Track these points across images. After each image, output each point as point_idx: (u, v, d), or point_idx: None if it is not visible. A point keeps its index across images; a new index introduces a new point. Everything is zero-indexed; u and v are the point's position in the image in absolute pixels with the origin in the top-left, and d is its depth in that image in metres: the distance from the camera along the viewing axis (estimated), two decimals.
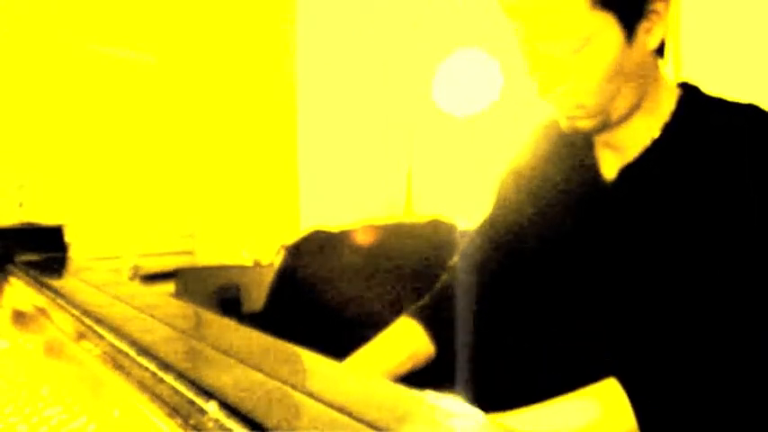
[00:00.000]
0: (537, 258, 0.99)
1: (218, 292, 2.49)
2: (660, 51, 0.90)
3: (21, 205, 1.48)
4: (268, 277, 2.14)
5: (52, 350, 0.91)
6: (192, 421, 0.45)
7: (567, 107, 0.87)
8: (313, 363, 0.55)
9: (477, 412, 0.40)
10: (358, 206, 2.87)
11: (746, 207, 0.80)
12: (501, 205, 1.09)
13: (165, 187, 2.76)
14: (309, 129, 2.92)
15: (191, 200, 2.84)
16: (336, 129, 2.93)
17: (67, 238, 1.26)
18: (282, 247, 2.15)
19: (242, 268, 2.65)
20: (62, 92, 2.43)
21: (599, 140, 0.94)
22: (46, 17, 2.38)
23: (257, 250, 2.74)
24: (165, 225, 2.78)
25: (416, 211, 2.79)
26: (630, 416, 0.74)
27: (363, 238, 2.02)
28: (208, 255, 2.86)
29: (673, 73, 2.71)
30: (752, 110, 0.87)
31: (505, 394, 0.89)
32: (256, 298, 2.35)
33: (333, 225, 2.17)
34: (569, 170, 0.98)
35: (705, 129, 0.86)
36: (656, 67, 0.90)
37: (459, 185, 2.56)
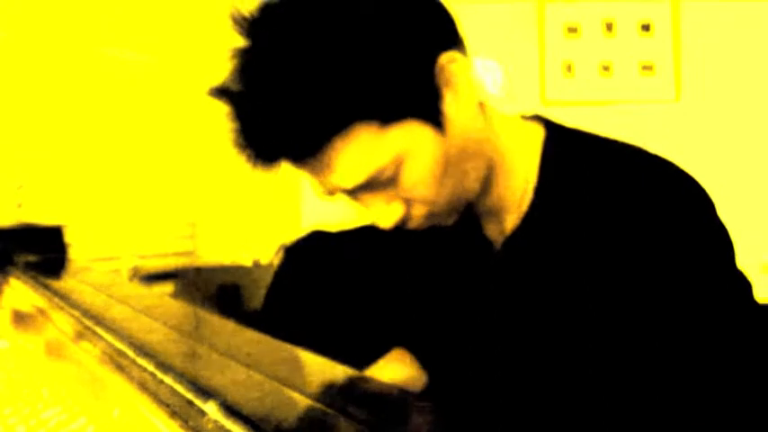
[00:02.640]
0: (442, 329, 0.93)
1: (217, 293, 2.49)
2: (457, 46, 0.78)
3: (20, 206, 1.48)
4: (268, 277, 2.13)
5: (52, 351, 0.91)
6: (191, 422, 0.46)
7: (422, 224, 0.79)
8: (312, 363, 0.55)
9: (473, 414, 0.41)
10: (359, 207, 2.87)
11: (632, 252, 0.74)
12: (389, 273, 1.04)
13: (165, 188, 2.76)
14: None
15: (191, 201, 2.84)
16: None
17: (67, 238, 1.26)
18: (281, 246, 2.15)
19: (241, 268, 2.65)
20: (62, 92, 2.43)
21: (476, 209, 0.85)
22: (46, 18, 2.38)
23: (258, 250, 2.74)
24: (165, 226, 2.78)
25: None
26: None
27: (363, 239, 2.02)
28: (208, 255, 2.86)
29: (674, 84, 2.72)
30: (615, 146, 0.80)
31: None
32: (256, 298, 2.35)
33: (333, 225, 2.18)
34: (460, 243, 0.90)
35: (578, 176, 0.78)
36: (487, 119, 0.80)
37: None
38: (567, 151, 0.81)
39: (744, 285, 0.77)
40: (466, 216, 0.85)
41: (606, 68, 2.80)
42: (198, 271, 2.67)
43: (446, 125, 0.73)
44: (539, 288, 0.80)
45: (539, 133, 0.83)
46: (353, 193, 0.75)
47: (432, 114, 0.73)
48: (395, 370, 1.02)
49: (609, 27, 2.80)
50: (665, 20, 2.73)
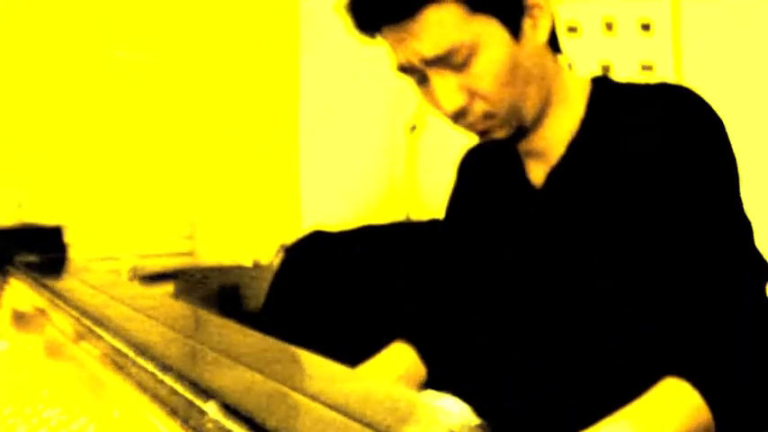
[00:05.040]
0: (490, 278, 0.98)
1: (217, 293, 2.49)
2: (554, 46, 0.90)
3: (20, 206, 1.48)
4: (268, 278, 2.14)
5: (52, 351, 0.91)
6: (191, 422, 0.46)
7: (478, 122, 0.87)
8: (312, 363, 0.55)
9: (474, 413, 0.41)
10: (359, 207, 2.87)
11: (669, 186, 0.82)
12: (450, 227, 1.09)
13: (164, 188, 2.76)
14: (311, 129, 2.92)
15: (190, 201, 2.84)
16: (338, 129, 2.93)
17: (67, 238, 1.26)
18: (281, 247, 2.15)
19: (241, 269, 2.65)
20: (62, 93, 2.43)
21: (522, 150, 0.94)
22: (46, 18, 2.38)
23: (257, 251, 2.74)
24: (165, 226, 2.78)
25: (417, 212, 2.79)
26: (706, 413, 0.73)
27: (363, 239, 2.02)
28: (207, 255, 2.86)
29: (674, 76, 2.72)
30: (663, 89, 0.88)
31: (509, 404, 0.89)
32: (256, 298, 2.35)
33: (333, 225, 2.18)
34: (501, 185, 0.98)
35: (620, 118, 0.87)
36: (555, 61, 0.90)
37: None
38: (610, 98, 0.90)
39: (735, 225, 0.84)
40: (510, 159, 0.95)
41: (606, 68, 2.80)
42: (198, 271, 2.67)
43: (521, 39, 0.84)
44: (578, 218, 0.87)
45: (586, 86, 0.92)
46: (429, 65, 0.82)
47: (513, 23, 0.83)
48: (395, 363, 1.02)
49: (609, 26, 2.80)
50: (666, 19, 2.73)
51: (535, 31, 0.85)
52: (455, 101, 0.84)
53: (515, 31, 0.83)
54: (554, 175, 0.90)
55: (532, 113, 0.87)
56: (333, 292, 1.97)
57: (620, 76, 2.94)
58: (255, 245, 2.78)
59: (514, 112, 0.86)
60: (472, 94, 0.84)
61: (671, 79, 0.97)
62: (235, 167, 2.82)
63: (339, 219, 2.56)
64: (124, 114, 2.60)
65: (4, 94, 2.28)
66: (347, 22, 0.85)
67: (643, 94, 0.88)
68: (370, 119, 2.97)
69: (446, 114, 0.86)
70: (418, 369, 1.03)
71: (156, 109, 2.71)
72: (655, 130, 0.84)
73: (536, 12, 0.85)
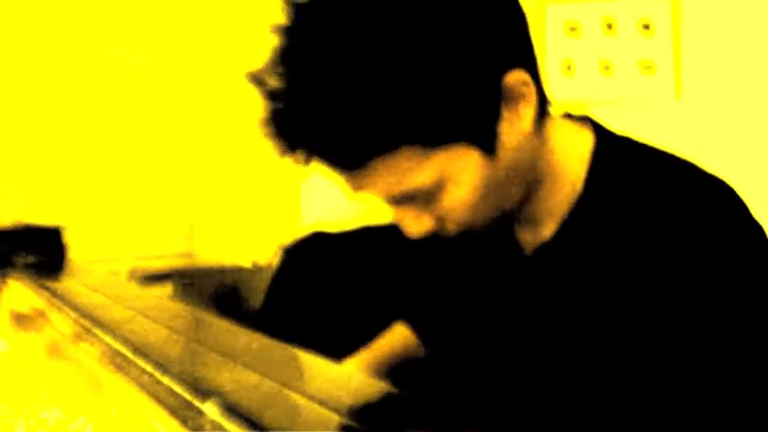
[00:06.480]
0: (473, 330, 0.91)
1: (216, 294, 2.49)
2: (541, 113, 0.73)
3: (20, 206, 1.48)
4: (266, 278, 2.14)
5: (51, 351, 0.91)
6: (189, 422, 0.45)
7: (453, 234, 0.75)
8: (311, 363, 0.55)
9: (472, 413, 0.40)
10: (359, 207, 2.87)
11: (664, 289, 0.68)
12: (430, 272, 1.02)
13: (163, 189, 2.76)
14: None
15: (189, 202, 2.84)
16: None
17: (67, 239, 1.26)
18: (281, 247, 2.15)
19: (240, 269, 2.65)
20: (62, 93, 2.43)
21: (515, 216, 0.80)
22: (46, 18, 2.38)
23: (256, 251, 2.74)
24: (164, 227, 2.78)
25: None
26: None
27: (363, 239, 2.02)
28: (206, 256, 2.86)
29: (674, 83, 2.72)
30: (683, 183, 0.73)
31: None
32: (255, 299, 2.35)
33: (333, 225, 2.17)
34: (492, 246, 0.87)
35: (622, 197, 0.73)
36: (543, 135, 0.74)
37: None
38: (614, 166, 0.75)
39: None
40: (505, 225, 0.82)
41: (606, 68, 2.80)
42: (197, 272, 2.67)
43: (498, 148, 0.69)
44: (560, 299, 0.77)
45: (587, 142, 0.77)
46: (389, 202, 0.71)
47: (484, 139, 0.68)
48: (396, 341, 1.04)
49: (609, 26, 2.80)
50: (666, 19, 2.73)
51: (516, 128, 0.69)
52: (421, 227, 0.72)
53: (490, 146, 0.68)
54: (544, 250, 0.79)
55: (517, 202, 0.75)
56: (332, 292, 1.97)
57: (620, 75, 2.93)
58: (254, 245, 2.78)
59: (494, 216, 0.74)
60: (442, 219, 0.72)
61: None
62: (234, 168, 2.82)
63: (339, 219, 2.56)
64: (123, 115, 2.60)
65: (4, 95, 2.28)
66: None
67: (655, 178, 0.73)
68: None
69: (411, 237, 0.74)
70: (418, 346, 1.05)
71: (156, 110, 2.71)
72: (660, 229, 0.69)
73: (515, 99, 0.68)
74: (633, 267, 0.70)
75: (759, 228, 0.70)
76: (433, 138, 0.66)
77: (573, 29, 2.84)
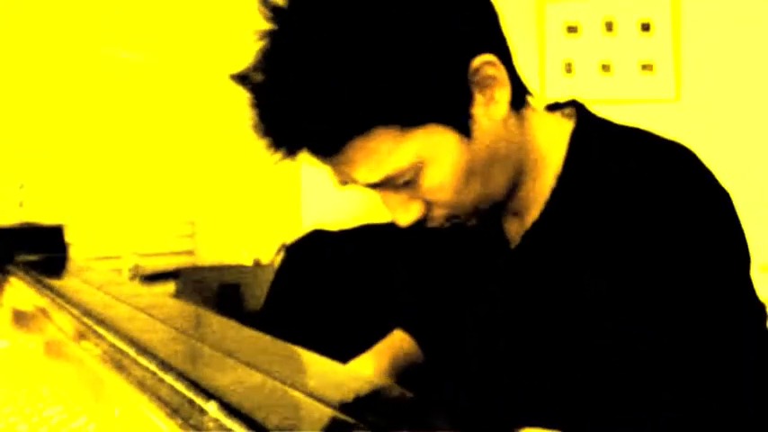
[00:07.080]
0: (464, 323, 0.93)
1: (218, 292, 2.49)
2: (519, 99, 0.76)
3: (21, 205, 1.48)
4: (268, 277, 2.14)
5: (52, 350, 0.91)
6: (192, 421, 0.46)
7: (443, 224, 0.77)
8: (313, 363, 0.55)
9: (472, 413, 0.41)
10: (359, 206, 2.87)
11: (649, 253, 0.70)
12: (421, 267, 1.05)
13: (165, 187, 2.76)
14: None
15: (191, 200, 2.84)
16: None
17: (68, 238, 1.26)
18: (282, 246, 2.16)
19: (242, 268, 2.65)
20: (62, 92, 2.43)
21: (502, 210, 0.83)
22: (46, 18, 2.38)
23: (258, 250, 2.74)
24: (166, 225, 2.78)
25: None
26: None
27: (363, 239, 2.02)
28: (208, 255, 2.86)
29: (674, 83, 2.72)
30: (655, 149, 0.76)
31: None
32: (256, 298, 2.36)
33: (333, 225, 2.18)
34: (479, 240, 0.89)
35: (601, 178, 0.74)
36: (521, 123, 0.77)
37: None
38: (590, 145, 0.77)
39: (742, 307, 0.72)
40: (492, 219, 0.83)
41: (606, 68, 2.80)
42: (198, 270, 2.67)
43: (474, 131, 0.71)
44: (549, 285, 0.78)
45: (568, 130, 0.80)
46: (371, 187, 0.74)
47: (458, 120, 0.71)
48: (395, 344, 1.04)
49: (609, 26, 2.80)
50: (666, 19, 2.73)
51: (491, 110, 0.72)
52: (410, 215, 0.75)
53: (465, 127, 0.71)
54: (528, 236, 0.81)
55: (503, 192, 0.78)
56: (333, 291, 1.97)
57: (620, 75, 2.93)
58: (256, 244, 2.78)
59: (481, 203, 0.76)
60: (428, 203, 0.74)
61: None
62: (235, 167, 2.82)
63: (339, 218, 2.56)
64: (125, 114, 2.60)
65: (4, 94, 2.28)
66: None
67: (632, 152, 0.75)
68: None
69: (403, 227, 0.76)
70: (418, 352, 1.05)
71: (157, 108, 2.72)
72: (641, 200, 0.71)
73: (489, 82, 0.71)
74: (615, 241, 0.72)
75: (724, 190, 0.74)
76: (406, 118, 0.68)
77: (572, 29, 2.84)
